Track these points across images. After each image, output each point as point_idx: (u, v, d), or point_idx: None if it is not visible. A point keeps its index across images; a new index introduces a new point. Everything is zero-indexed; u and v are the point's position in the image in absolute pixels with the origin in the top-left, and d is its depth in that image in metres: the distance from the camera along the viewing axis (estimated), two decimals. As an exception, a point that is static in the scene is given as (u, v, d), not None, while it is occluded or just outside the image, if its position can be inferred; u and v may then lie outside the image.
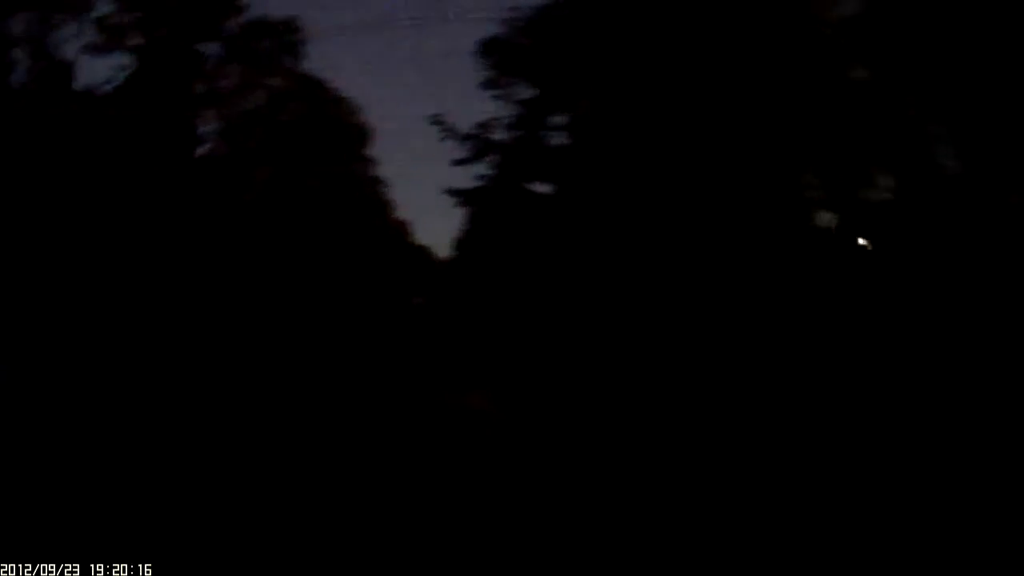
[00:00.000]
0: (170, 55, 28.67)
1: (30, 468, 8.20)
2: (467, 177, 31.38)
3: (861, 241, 23.45)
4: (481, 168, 30.85)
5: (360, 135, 48.29)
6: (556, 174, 28.90)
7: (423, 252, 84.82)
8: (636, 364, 22.54)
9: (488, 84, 29.34)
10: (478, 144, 29.90)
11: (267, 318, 32.45)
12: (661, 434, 11.90)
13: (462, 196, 32.18)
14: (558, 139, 29.04)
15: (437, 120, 29.98)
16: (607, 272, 27.28)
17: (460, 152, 30.40)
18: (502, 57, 28.88)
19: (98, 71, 28.26)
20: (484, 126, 29.86)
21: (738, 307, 22.75)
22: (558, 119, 28.78)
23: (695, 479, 8.98)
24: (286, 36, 35.73)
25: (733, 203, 24.34)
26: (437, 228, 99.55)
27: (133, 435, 10.18)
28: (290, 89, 36.88)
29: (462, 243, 64.02)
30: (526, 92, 28.76)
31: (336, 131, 43.16)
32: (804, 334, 20.64)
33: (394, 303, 64.59)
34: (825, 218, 24.62)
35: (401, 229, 73.43)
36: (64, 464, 8.45)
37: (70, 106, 24.18)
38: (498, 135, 29.93)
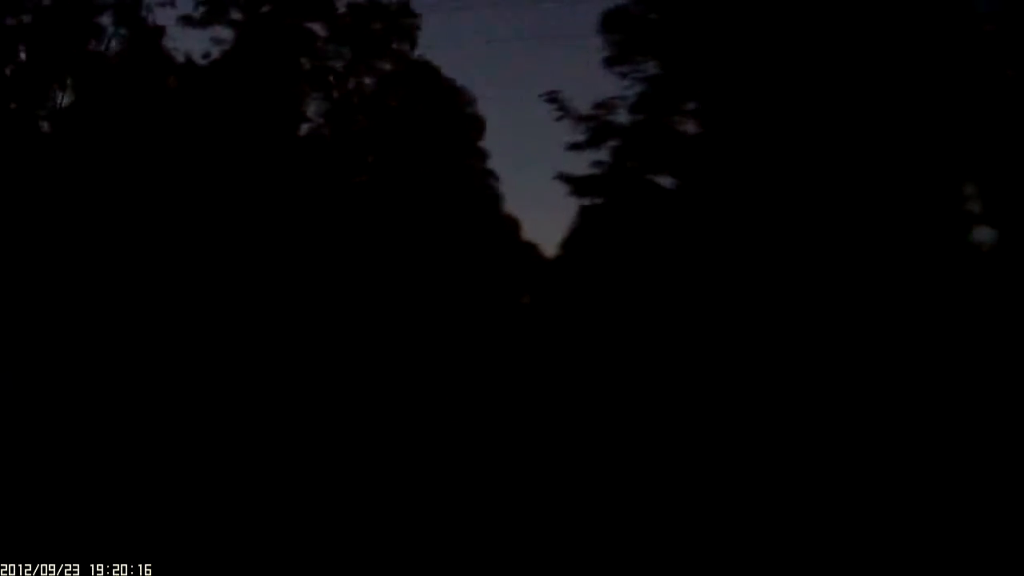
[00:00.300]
0: (274, 32, 27.30)
1: (31, 469, 8.07)
2: (582, 164, 28.22)
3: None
4: (599, 154, 27.44)
5: (473, 126, 46.45)
6: (684, 165, 25.50)
7: (531, 249, 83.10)
8: (765, 378, 19.63)
9: (610, 61, 26.02)
10: (597, 127, 26.45)
11: (364, 306, 30.86)
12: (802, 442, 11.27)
13: (575, 185, 28.62)
14: (687, 126, 25.66)
15: (552, 98, 26.79)
16: (733, 279, 24.29)
17: (576, 135, 27.01)
18: (627, 32, 25.66)
19: (193, 44, 27.14)
20: (604, 106, 26.41)
21: (878, 320, 19.76)
22: (688, 103, 25.60)
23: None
24: (398, 19, 34.12)
25: (881, 208, 21.19)
26: (544, 224, 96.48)
27: (138, 435, 10.01)
28: (400, 74, 35.16)
29: (573, 241, 61.81)
30: (652, 71, 25.43)
31: (448, 120, 41.37)
32: (950, 346, 18.10)
33: (500, 301, 63.02)
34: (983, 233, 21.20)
35: (511, 225, 71.83)
36: (65, 465, 8.31)
37: (164, 78, 23.11)
38: (620, 117, 26.49)
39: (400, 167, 38.99)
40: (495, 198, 60.77)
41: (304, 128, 29.90)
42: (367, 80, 34.36)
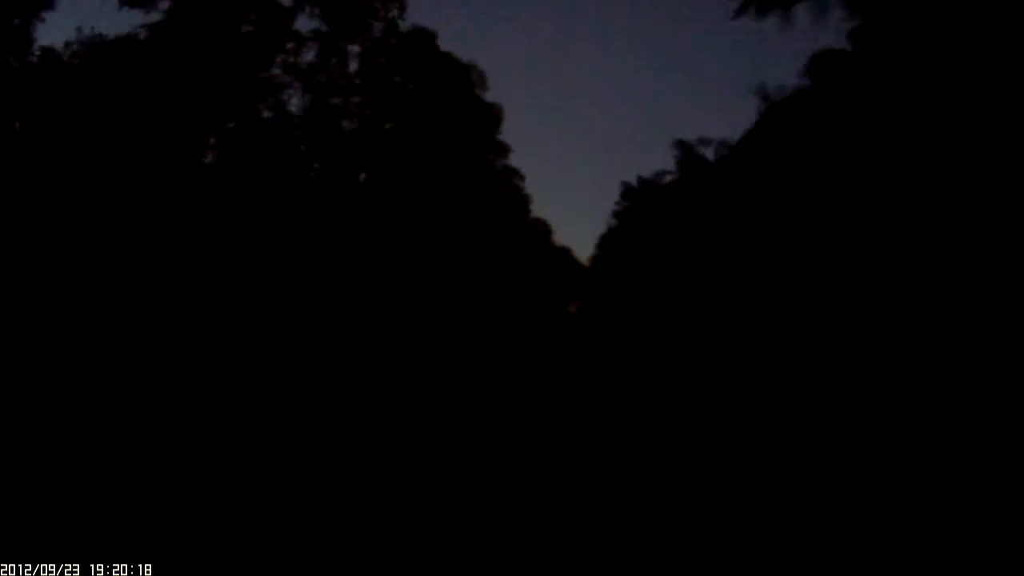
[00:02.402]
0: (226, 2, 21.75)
1: (31, 469, 7.73)
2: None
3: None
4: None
5: (488, 115, 40.56)
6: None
7: (565, 254, 76.80)
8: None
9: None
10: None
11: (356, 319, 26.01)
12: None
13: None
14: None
15: None
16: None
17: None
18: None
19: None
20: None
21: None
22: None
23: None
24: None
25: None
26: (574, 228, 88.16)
27: (136, 434, 9.55)
28: (391, 50, 29.44)
29: (610, 239, 55.29)
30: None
31: (459, 107, 35.60)
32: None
33: (540, 312, 57.24)
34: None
35: (541, 229, 65.55)
36: (64, 464, 7.96)
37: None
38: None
39: (405, 164, 33.37)
40: (522, 200, 54.65)
41: (276, 120, 24.05)
42: (350, 59, 28.59)
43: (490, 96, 39.13)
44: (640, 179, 39.39)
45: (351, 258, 29.04)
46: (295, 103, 26.99)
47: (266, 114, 23.51)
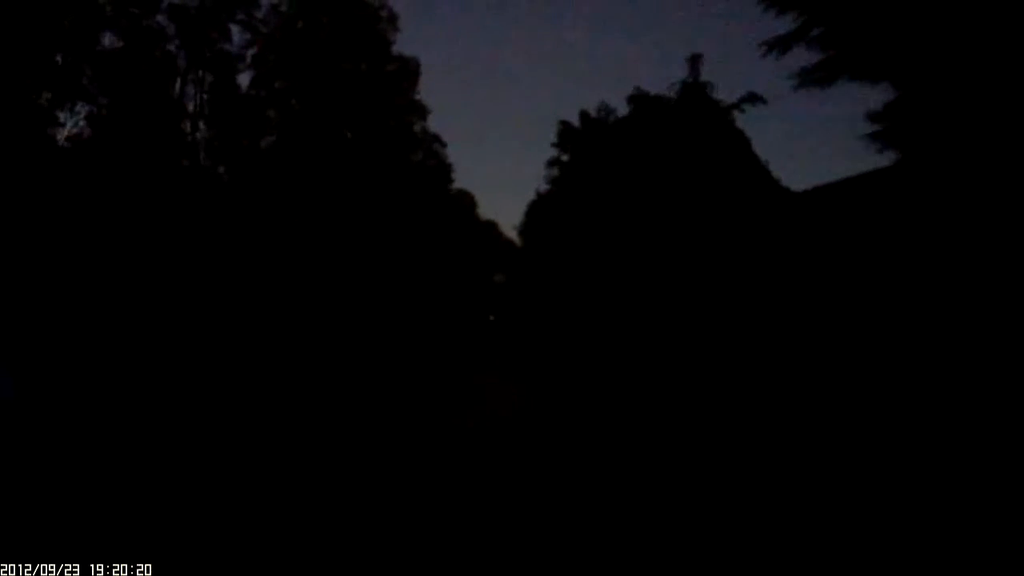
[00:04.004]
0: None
1: (31, 469, 7.79)
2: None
3: None
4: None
5: (403, 68, 36.12)
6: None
7: (490, 229, 72.97)
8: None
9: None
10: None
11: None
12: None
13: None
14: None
15: None
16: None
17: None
18: None
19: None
20: None
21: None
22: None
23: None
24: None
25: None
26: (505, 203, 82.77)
27: (135, 435, 9.76)
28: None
29: (538, 209, 51.45)
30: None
31: (367, 58, 31.32)
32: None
33: (464, 284, 53.66)
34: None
35: (465, 201, 61.48)
36: (64, 464, 8.02)
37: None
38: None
39: (313, 126, 28.90)
40: (444, 169, 50.18)
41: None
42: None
43: (401, 42, 34.65)
44: (583, 114, 34.83)
45: (255, 233, 24.65)
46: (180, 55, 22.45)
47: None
